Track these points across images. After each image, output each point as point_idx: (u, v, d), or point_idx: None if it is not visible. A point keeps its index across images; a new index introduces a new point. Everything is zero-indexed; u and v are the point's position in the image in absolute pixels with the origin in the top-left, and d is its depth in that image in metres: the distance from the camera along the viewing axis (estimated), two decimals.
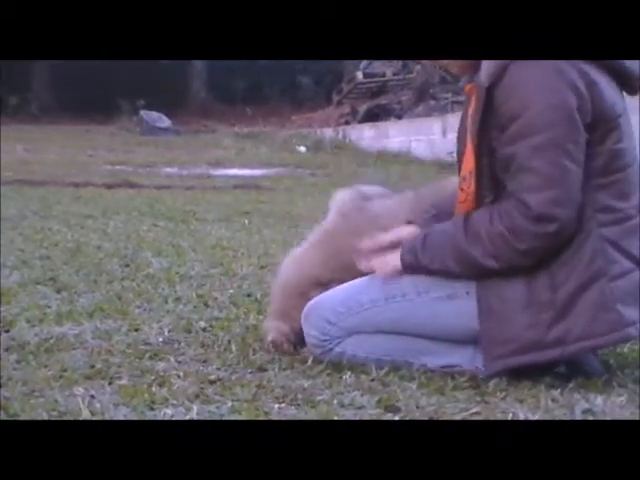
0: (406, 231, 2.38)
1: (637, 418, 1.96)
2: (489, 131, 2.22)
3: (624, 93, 2.33)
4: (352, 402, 2.05)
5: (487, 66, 2.22)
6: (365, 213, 2.58)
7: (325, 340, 2.36)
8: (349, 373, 2.26)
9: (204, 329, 2.73)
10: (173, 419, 1.88)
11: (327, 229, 2.66)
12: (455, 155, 2.48)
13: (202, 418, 1.88)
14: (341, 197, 2.68)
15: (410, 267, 2.32)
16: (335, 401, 2.04)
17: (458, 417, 1.96)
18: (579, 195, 2.18)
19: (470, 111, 2.34)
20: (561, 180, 2.17)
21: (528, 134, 2.17)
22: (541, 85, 2.18)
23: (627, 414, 1.99)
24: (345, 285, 2.45)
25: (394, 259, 2.34)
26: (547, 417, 1.96)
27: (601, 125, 2.21)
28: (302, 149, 15.21)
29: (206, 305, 3.08)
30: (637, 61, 2.28)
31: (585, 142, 2.19)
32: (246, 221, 6.01)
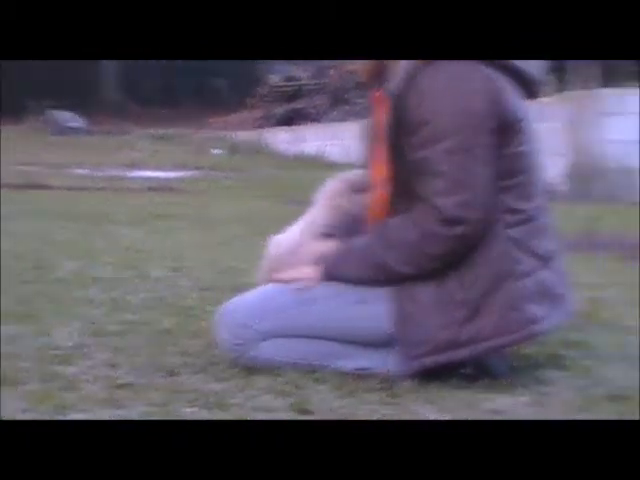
0: (324, 245, 2.41)
1: (541, 418, 2.02)
2: (400, 137, 2.26)
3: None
4: (265, 405, 2.05)
5: (397, 73, 2.25)
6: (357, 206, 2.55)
7: (239, 344, 2.34)
8: (262, 376, 2.26)
9: (115, 333, 2.70)
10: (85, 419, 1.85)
11: (317, 223, 2.58)
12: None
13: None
14: (331, 188, 2.62)
15: (327, 277, 2.35)
16: (248, 404, 2.05)
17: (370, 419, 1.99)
18: (489, 198, 2.24)
19: (378, 119, 2.38)
20: (470, 183, 2.22)
21: (438, 139, 2.21)
22: (450, 90, 2.22)
23: (530, 413, 2.05)
24: (260, 289, 2.46)
25: (311, 270, 2.37)
26: (455, 418, 2.00)
27: (506, 129, 2.27)
28: (218, 152, 15.15)
29: (117, 308, 3.05)
30: (536, 66, 2.36)
31: (493, 146, 2.25)
32: (160, 224, 5.97)
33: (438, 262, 2.24)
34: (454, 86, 2.23)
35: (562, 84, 11.03)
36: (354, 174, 2.61)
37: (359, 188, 2.55)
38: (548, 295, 2.30)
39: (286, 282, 2.38)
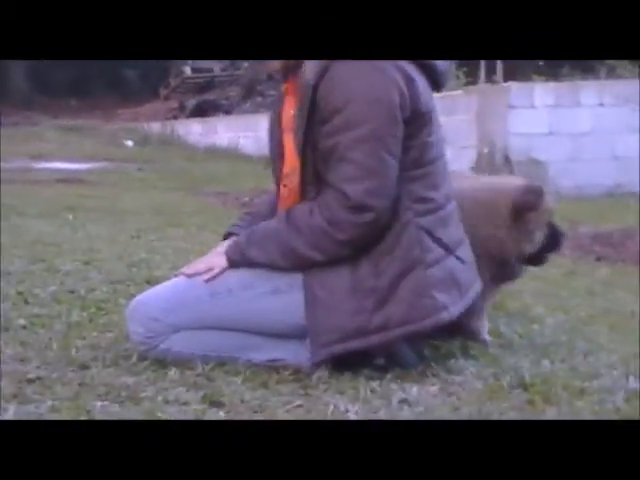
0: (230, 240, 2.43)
1: (450, 407, 2.05)
2: (312, 127, 2.28)
3: None
4: (177, 398, 2.03)
5: (312, 65, 2.27)
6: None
7: (150, 337, 2.32)
8: (174, 369, 2.24)
9: (24, 327, 2.63)
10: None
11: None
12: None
13: (20, 418, 1.82)
14: None
15: (237, 264, 2.35)
16: (159, 397, 2.03)
17: (281, 410, 1.99)
18: (394, 187, 2.27)
19: (288, 109, 2.39)
20: (379, 171, 2.25)
21: (349, 127, 2.23)
22: (363, 80, 2.25)
23: (439, 402, 2.09)
24: (171, 282, 2.44)
25: (219, 260, 2.37)
26: (366, 408, 2.02)
27: (416, 119, 2.31)
28: (129, 143, 14.95)
29: (26, 302, 2.97)
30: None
31: (402, 136, 2.28)
32: (70, 216, 5.85)
33: (346, 248, 2.26)
34: (367, 76, 2.25)
35: (471, 77, 11.24)
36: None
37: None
38: (454, 283, 2.35)
39: (194, 275, 2.37)
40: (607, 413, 1.99)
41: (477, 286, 2.45)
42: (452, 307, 2.33)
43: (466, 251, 2.43)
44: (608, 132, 9.73)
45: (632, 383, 2.23)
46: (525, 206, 2.56)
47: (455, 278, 2.35)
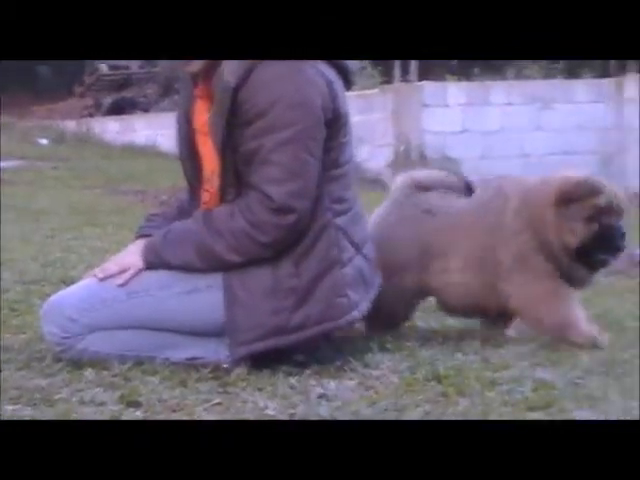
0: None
1: (368, 399, 2.06)
2: (232, 129, 2.25)
3: None
4: (93, 399, 1.99)
5: (232, 67, 2.24)
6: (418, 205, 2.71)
7: (66, 337, 2.27)
8: (90, 370, 2.20)
9: None
10: None
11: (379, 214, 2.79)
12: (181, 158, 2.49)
13: None
14: (396, 182, 2.79)
15: (152, 265, 2.31)
16: (74, 399, 1.99)
17: (200, 408, 1.97)
18: (315, 188, 2.27)
19: (201, 112, 2.37)
20: (301, 173, 2.25)
21: (273, 129, 2.23)
22: (286, 84, 2.24)
23: (357, 396, 2.09)
24: (87, 281, 2.39)
25: (134, 260, 2.33)
26: (285, 404, 2.01)
27: (336, 121, 2.32)
28: (43, 141, 14.61)
29: None
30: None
31: (323, 137, 2.29)
32: None
33: (268, 250, 2.25)
34: (290, 79, 2.24)
35: (386, 77, 11.35)
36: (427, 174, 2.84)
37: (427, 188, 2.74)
38: (362, 280, 2.38)
39: (106, 277, 2.32)
40: (516, 403, 2.02)
41: (378, 282, 2.47)
42: (361, 305, 2.37)
43: (370, 248, 2.45)
44: (516, 130, 9.97)
45: (539, 373, 2.27)
46: (567, 195, 2.56)
47: (363, 275, 2.38)
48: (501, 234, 2.64)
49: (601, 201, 2.55)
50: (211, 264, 2.28)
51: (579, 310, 2.65)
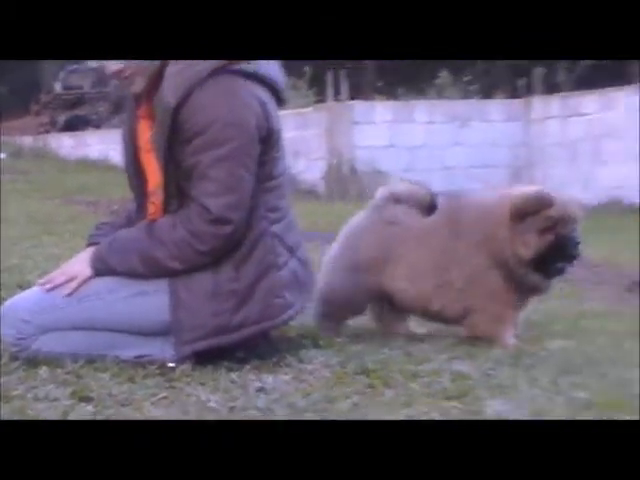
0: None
1: (302, 392, 2.06)
2: (174, 147, 2.26)
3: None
4: (46, 395, 1.96)
5: (172, 89, 2.24)
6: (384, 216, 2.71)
7: (21, 338, 2.25)
8: (45, 368, 2.17)
9: None
10: None
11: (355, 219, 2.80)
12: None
13: None
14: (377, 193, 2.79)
15: (100, 272, 2.31)
16: (29, 395, 1.95)
17: (147, 403, 1.95)
18: (250, 200, 2.29)
19: (144, 130, 2.37)
20: (237, 187, 2.26)
21: (210, 147, 2.24)
22: (223, 106, 2.25)
23: (292, 389, 2.09)
24: (40, 286, 2.36)
25: (82, 268, 2.32)
26: (226, 397, 2.00)
27: (270, 137, 2.34)
28: (1, 155, 14.30)
29: None
30: (282, 75, 2.41)
31: (257, 153, 2.30)
32: None
33: (207, 258, 2.26)
34: (226, 102, 2.25)
35: (320, 96, 11.36)
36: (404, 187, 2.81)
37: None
38: (297, 282, 2.40)
39: (53, 288, 2.30)
40: (436, 393, 2.04)
41: (312, 282, 2.51)
42: (296, 305, 2.39)
43: (304, 252, 2.48)
44: (438, 146, 10.12)
45: (456, 365, 2.30)
46: (521, 210, 2.51)
47: (297, 277, 2.40)
48: (454, 256, 2.62)
49: (553, 212, 2.51)
50: (153, 271, 2.28)
51: (512, 325, 2.66)
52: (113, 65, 2.28)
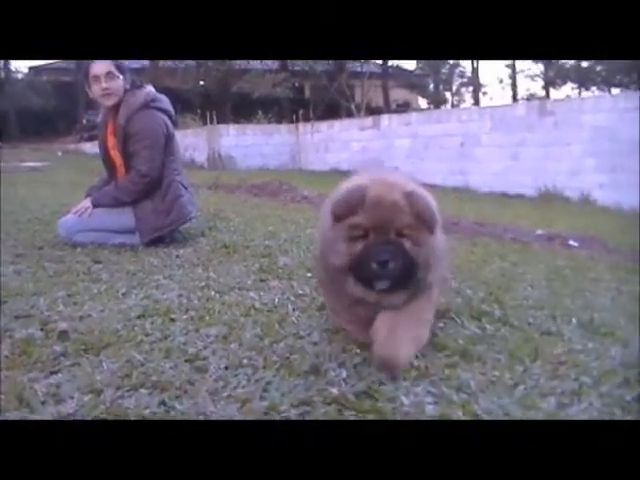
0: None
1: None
2: (126, 143, 4.17)
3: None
4: None
5: (123, 114, 4.12)
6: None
7: (67, 235, 4.15)
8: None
9: None
10: None
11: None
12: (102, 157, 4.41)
13: None
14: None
15: (95, 205, 4.20)
16: None
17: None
18: (161, 166, 4.20)
19: (110, 134, 4.27)
20: (154, 159, 4.17)
21: (141, 141, 4.15)
22: (147, 122, 4.15)
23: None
24: (72, 213, 4.30)
25: (87, 204, 4.25)
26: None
27: (169, 138, 4.27)
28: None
29: None
30: (173, 109, 4.40)
31: (164, 144, 4.23)
32: None
33: (139, 195, 4.18)
34: (149, 120, 4.16)
35: (202, 121, 18.36)
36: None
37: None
38: (191, 202, 4.52)
39: (76, 212, 4.15)
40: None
41: (195, 202, 4.47)
42: (192, 212, 4.34)
43: (190, 188, 4.33)
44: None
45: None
46: (335, 213, 2.07)
47: (190, 199, 4.40)
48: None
49: (358, 220, 2.04)
50: (119, 203, 4.15)
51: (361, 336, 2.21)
52: (104, 84, 4.05)
